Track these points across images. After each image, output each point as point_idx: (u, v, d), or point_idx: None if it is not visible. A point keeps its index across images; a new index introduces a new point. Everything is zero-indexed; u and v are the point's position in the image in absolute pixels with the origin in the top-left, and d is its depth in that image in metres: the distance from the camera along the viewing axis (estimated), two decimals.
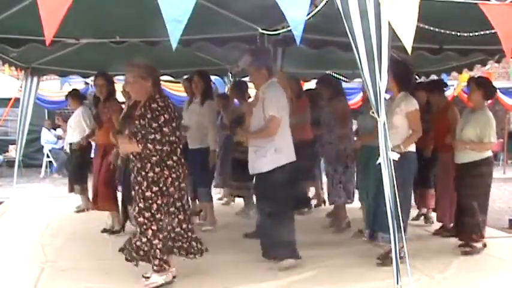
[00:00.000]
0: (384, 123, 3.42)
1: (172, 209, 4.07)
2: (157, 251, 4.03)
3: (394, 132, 4.50)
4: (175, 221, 4.11)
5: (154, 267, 4.07)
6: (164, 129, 3.91)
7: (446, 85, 6.44)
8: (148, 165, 3.98)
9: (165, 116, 3.94)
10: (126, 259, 4.23)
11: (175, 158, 4.04)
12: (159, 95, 4.06)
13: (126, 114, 4.73)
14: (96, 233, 5.86)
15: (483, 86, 5.19)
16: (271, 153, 4.47)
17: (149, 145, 3.90)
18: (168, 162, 4.01)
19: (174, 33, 2.85)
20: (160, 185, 3.99)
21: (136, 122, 4.00)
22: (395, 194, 3.37)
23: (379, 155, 3.52)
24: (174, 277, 4.18)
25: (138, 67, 4.10)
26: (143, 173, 4.00)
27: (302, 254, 4.66)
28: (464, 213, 5.18)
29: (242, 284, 4.19)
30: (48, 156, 13.59)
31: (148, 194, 3.98)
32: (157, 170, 3.98)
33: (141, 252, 4.10)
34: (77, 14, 3.43)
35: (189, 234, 4.19)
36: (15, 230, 6.37)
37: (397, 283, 3.36)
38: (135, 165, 4.05)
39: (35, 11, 2.95)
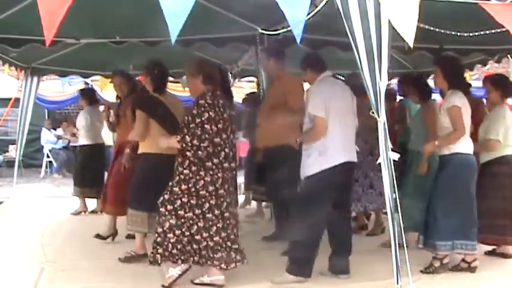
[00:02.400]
0: (384, 123, 3.42)
1: (209, 216, 3.91)
2: (170, 244, 3.92)
3: (444, 133, 4.39)
4: (213, 229, 3.92)
5: (164, 258, 3.95)
6: (206, 126, 3.81)
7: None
8: (187, 162, 3.88)
9: (210, 113, 3.84)
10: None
11: (215, 160, 3.89)
12: (211, 92, 3.98)
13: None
14: (96, 233, 5.85)
15: (500, 85, 4.92)
16: (315, 156, 4.13)
17: (187, 137, 3.81)
18: (207, 164, 3.86)
19: (174, 28, 2.84)
20: (190, 185, 3.88)
21: (186, 117, 3.93)
22: (395, 194, 3.37)
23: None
24: None
25: (188, 64, 4.11)
26: (180, 169, 3.91)
27: None
28: (495, 215, 4.78)
29: (242, 285, 4.18)
30: (48, 156, 13.58)
31: (176, 189, 3.91)
32: (194, 168, 3.87)
33: (154, 244, 3.97)
34: (77, 14, 3.43)
35: (228, 244, 3.96)
36: (15, 230, 6.37)
37: (397, 283, 3.35)
38: (177, 160, 3.97)
39: (35, 11, 2.95)
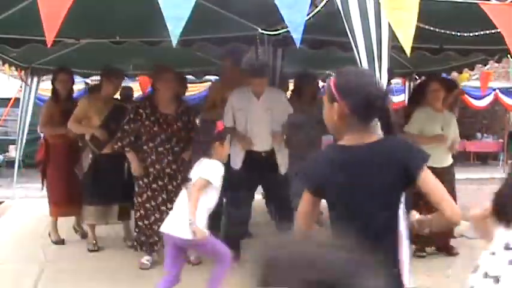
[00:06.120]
0: None
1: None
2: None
3: None
4: None
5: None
6: None
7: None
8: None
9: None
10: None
11: None
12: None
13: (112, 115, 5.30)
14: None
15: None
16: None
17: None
18: None
19: (175, 30, 2.85)
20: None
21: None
22: None
23: None
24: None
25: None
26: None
27: None
28: None
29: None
30: None
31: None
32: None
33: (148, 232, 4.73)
34: (77, 14, 3.44)
35: None
36: (15, 230, 6.37)
37: None
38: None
39: (35, 11, 2.96)
